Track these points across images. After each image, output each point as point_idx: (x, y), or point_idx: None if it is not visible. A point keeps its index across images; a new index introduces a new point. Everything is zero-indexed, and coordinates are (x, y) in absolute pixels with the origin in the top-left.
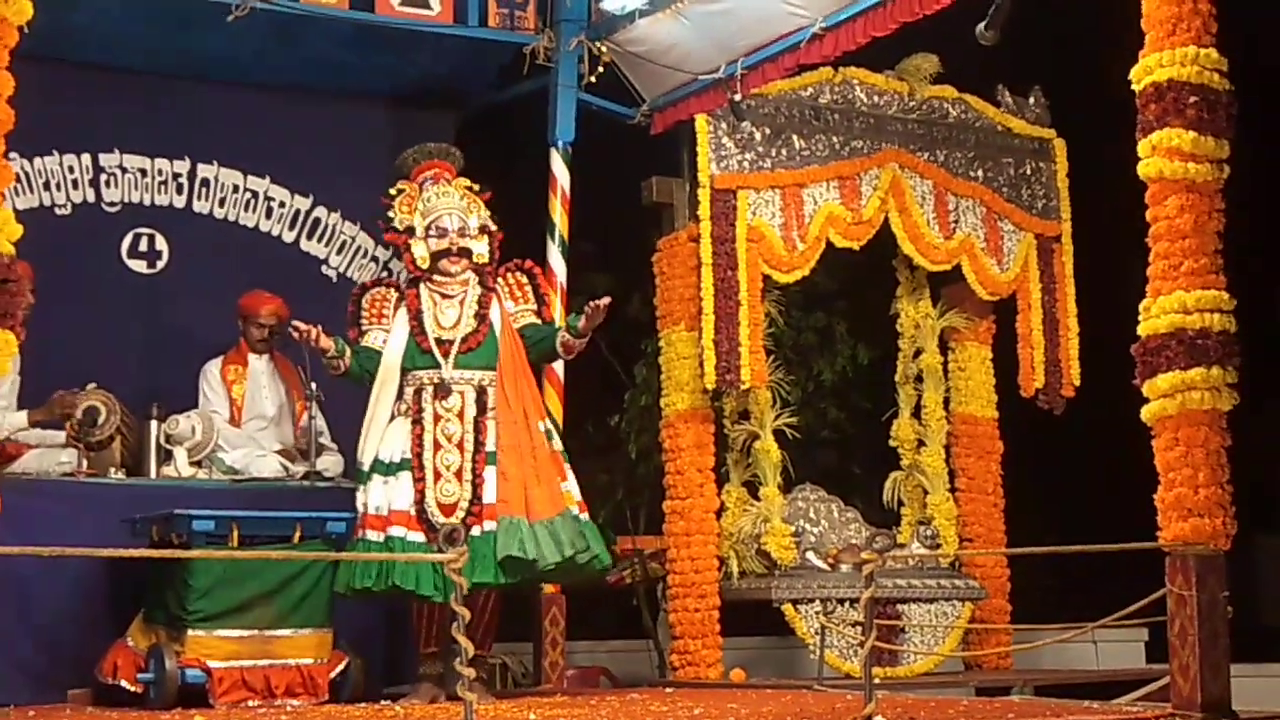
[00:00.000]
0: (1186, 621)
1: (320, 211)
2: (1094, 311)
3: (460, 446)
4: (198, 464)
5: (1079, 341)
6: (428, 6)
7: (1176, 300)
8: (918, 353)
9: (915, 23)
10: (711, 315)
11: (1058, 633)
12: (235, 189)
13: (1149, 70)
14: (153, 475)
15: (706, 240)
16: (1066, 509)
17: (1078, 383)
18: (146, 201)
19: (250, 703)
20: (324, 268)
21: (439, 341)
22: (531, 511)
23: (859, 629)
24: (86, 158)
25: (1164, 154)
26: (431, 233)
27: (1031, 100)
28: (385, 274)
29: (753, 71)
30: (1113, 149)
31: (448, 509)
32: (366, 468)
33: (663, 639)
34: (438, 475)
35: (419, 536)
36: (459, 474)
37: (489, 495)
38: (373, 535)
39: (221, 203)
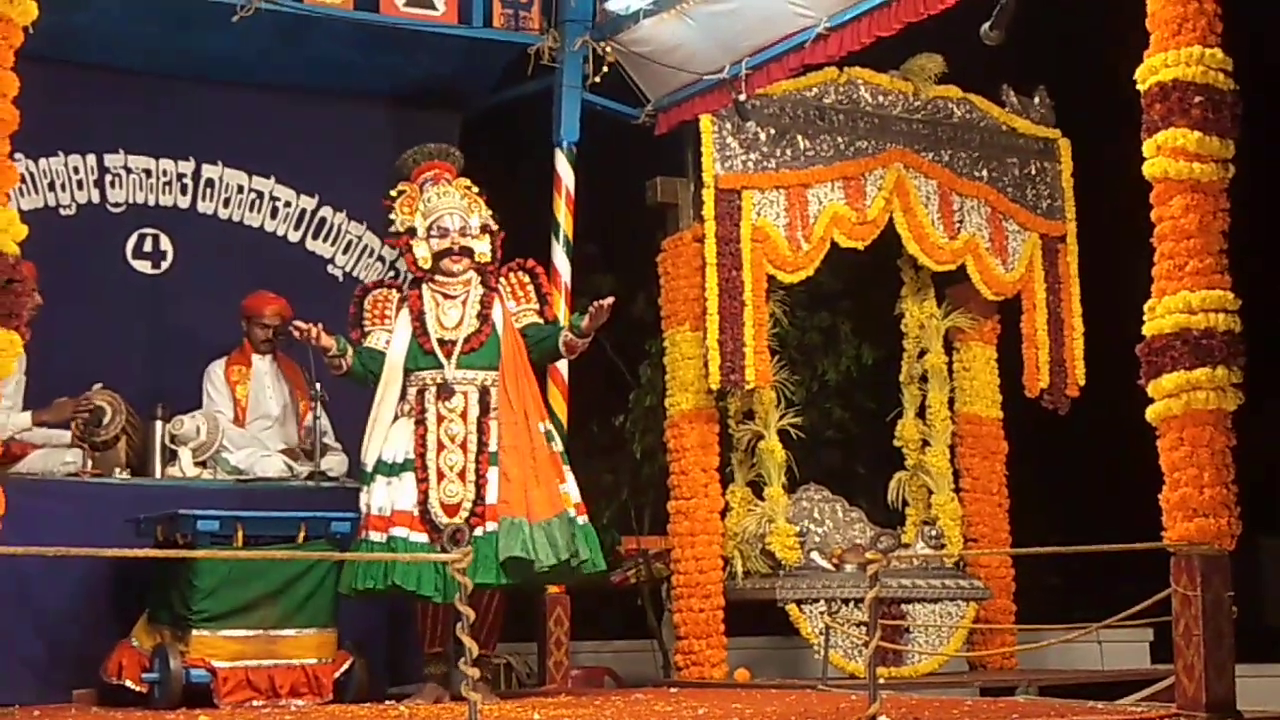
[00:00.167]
0: (1191, 621)
1: (326, 211)
2: (1099, 311)
3: (463, 447)
4: (202, 464)
5: (1084, 341)
6: (432, 7)
7: (1181, 300)
8: (922, 353)
9: (920, 23)
10: (716, 315)
11: (1062, 633)
12: (240, 189)
13: (1154, 70)
14: (157, 475)
15: (711, 240)
16: (1071, 509)
17: (1082, 382)
18: (151, 202)
19: (255, 703)
20: (330, 267)
21: (441, 342)
22: (532, 512)
23: (863, 629)
24: (91, 158)
25: (1169, 154)
26: (433, 233)
27: (1036, 100)
28: (392, 273)
29: (757, 71)
30: (1117, 149)
31: (451, 509)
32: (370, 468)
33: (667, 639)
34: (441, 476)
35: (422, 537)
36: (462, 474)
37: (491, 496)
38: (376, 536)
39: (226, 203)
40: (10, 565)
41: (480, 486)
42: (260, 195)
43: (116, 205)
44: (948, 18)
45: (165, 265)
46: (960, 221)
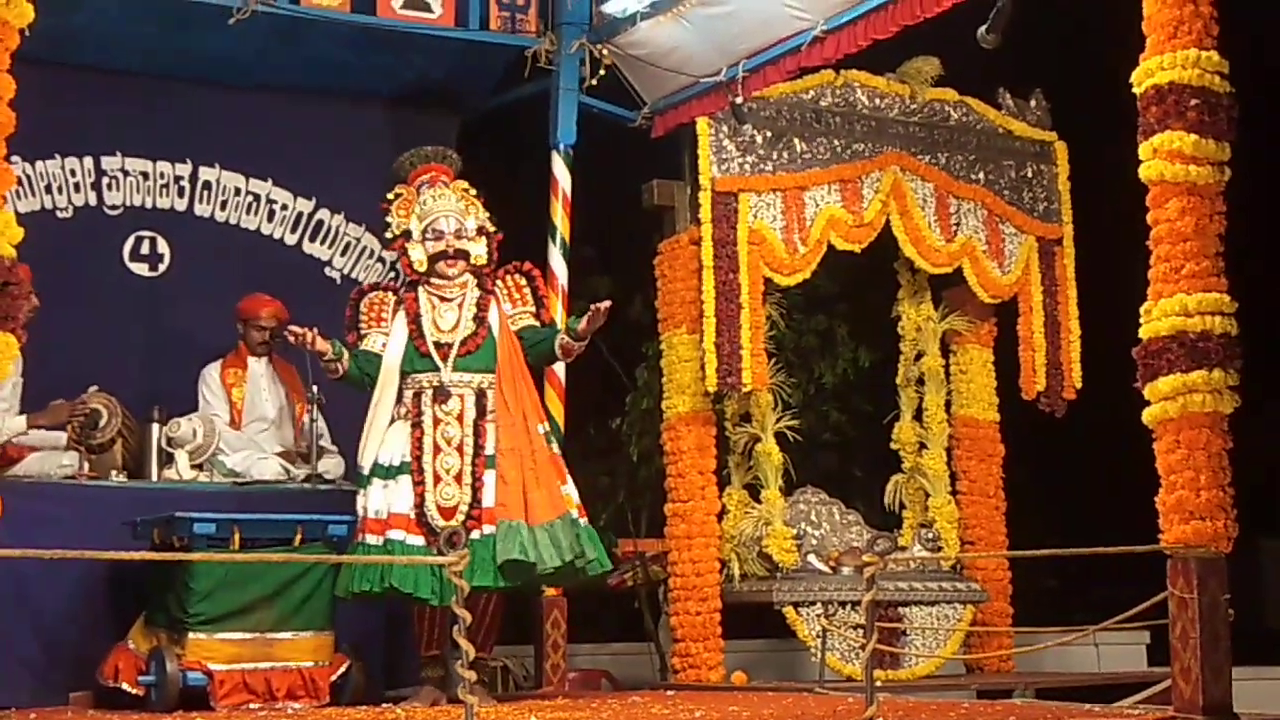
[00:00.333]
0: (1188, 624)
1: (323, 214)
2: (1095, 314)
3: (460, 450)
4: (199, 467)
5: (1080, 344)
6: (429, 9)
7: (1178, 303)
8: (919, 355)
9: (916, 25)
10: (713, 318)
11: (1059, 635)
12: (237, 191)
13: (1150, 73)
14: (154, 478)
15: (708, 243)
16: (1068, 512)
17: (1079, 385)
18: (148, 204)
19: (251, 705)
20: (327, 269)
21: (438, 345)
22: (531, 515)
23: (860, 632)
24: (88, 161)
25: (1165, 157)
26: (428, 236)
27: (1033, 103)
28: (391, 275)
29: (754, 74)
30: (1114, 152)
31: (447, 512)
32: (366, 471)
33: (664, 642)
34: (437, 479)
35: (418, 540)
36: (458, 477)
37: (488, 499)
38: (372, 539)
39: (223, 205)
40: (7, 567)
41: (477, 490)
42: (258, 197)
43: (114, 208)
44: (944, 21)
45: (162, 268)
46: (957, 224)
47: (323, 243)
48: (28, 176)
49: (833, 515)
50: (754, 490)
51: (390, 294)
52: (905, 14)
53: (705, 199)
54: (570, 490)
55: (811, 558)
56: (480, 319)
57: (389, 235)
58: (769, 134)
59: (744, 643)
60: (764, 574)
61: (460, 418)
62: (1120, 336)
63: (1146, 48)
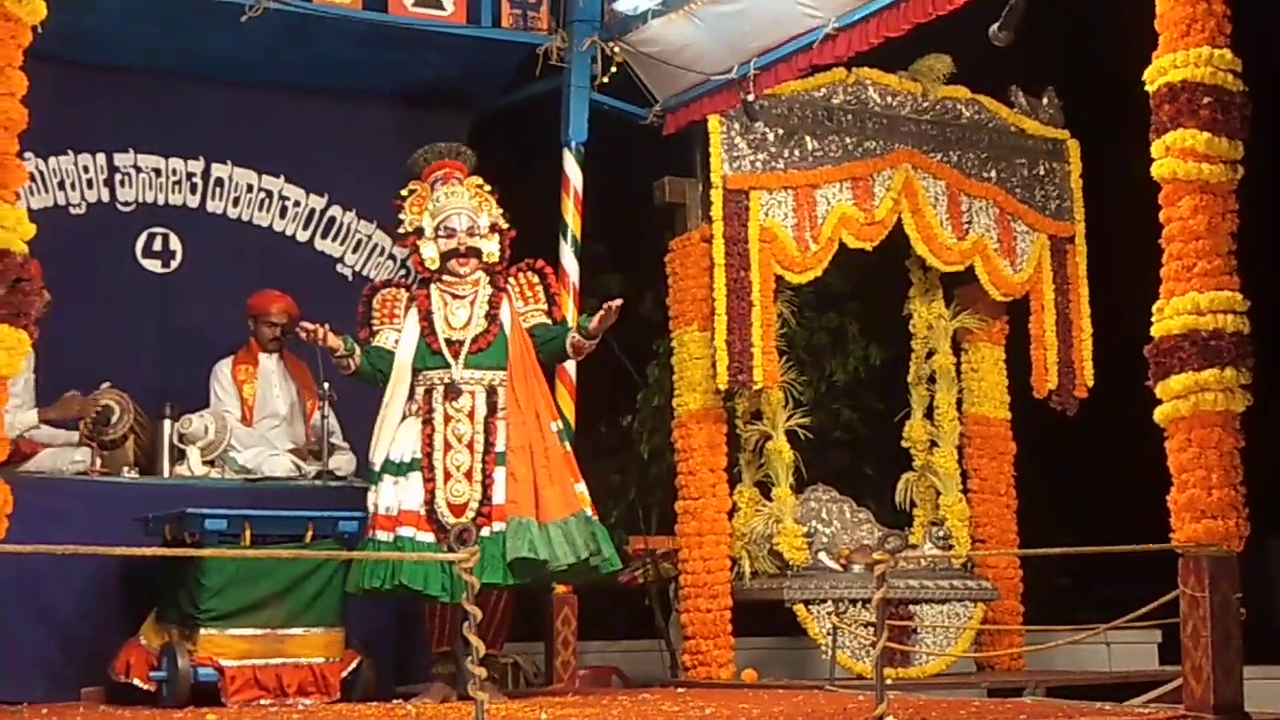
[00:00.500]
0: (1199, 623)
1: (335, 210)
2: (1107, 312)
3: (470, 447)
4: (210, 463)
5: (1092, 342)
6: (441, 7)
7: (1190, 301)
8: (930, 353)
9: (928, 23)
10: (724, 316)
11: (1070, 634)
12: (249, 188)
13: (1162, 71)
14: (165, 474)
15: (719, 241)
16: (1079, 510)
17: (1091, 384)
18: (160, 201)
19: (262, 701)
20: (339, 266)
21: (449, 342)
22: (542, 512)
23: (871, 630)
24: (101, 157)
25: (1177, 155)
26: (440, 233)
27: (1045, 101)
28: (402, 272)
29: (765, 72)
30: (1126, 150)
31: (457, 509)
32: (378, 468)
33: (675, 639)
34: (448, 476)
35: (428, 537)
36: (469, 474)
37: (498, 496)
38: (382, 535)
39: (235, 202)
40: (19, 563)
41: (487, 487)
42: (269, 194)
43: (126, 204)
44: (956, 18)
45: (174, 264)
46: (969, 222)
47: (334, 240)
48: (41, 173)
49: (843, 513)
50: (765, 488)
51: (402, 291)
52: (917, 11)
53: (717, 196)
54: (582, 489)
55: (822, 555)
56: (492, 316)
57: (401, 232)
58: (780, 131)
59: (754, 640)
60: (775, 571)
61: (471, 415)
62: (1132, 335)
63: (1159, 46)
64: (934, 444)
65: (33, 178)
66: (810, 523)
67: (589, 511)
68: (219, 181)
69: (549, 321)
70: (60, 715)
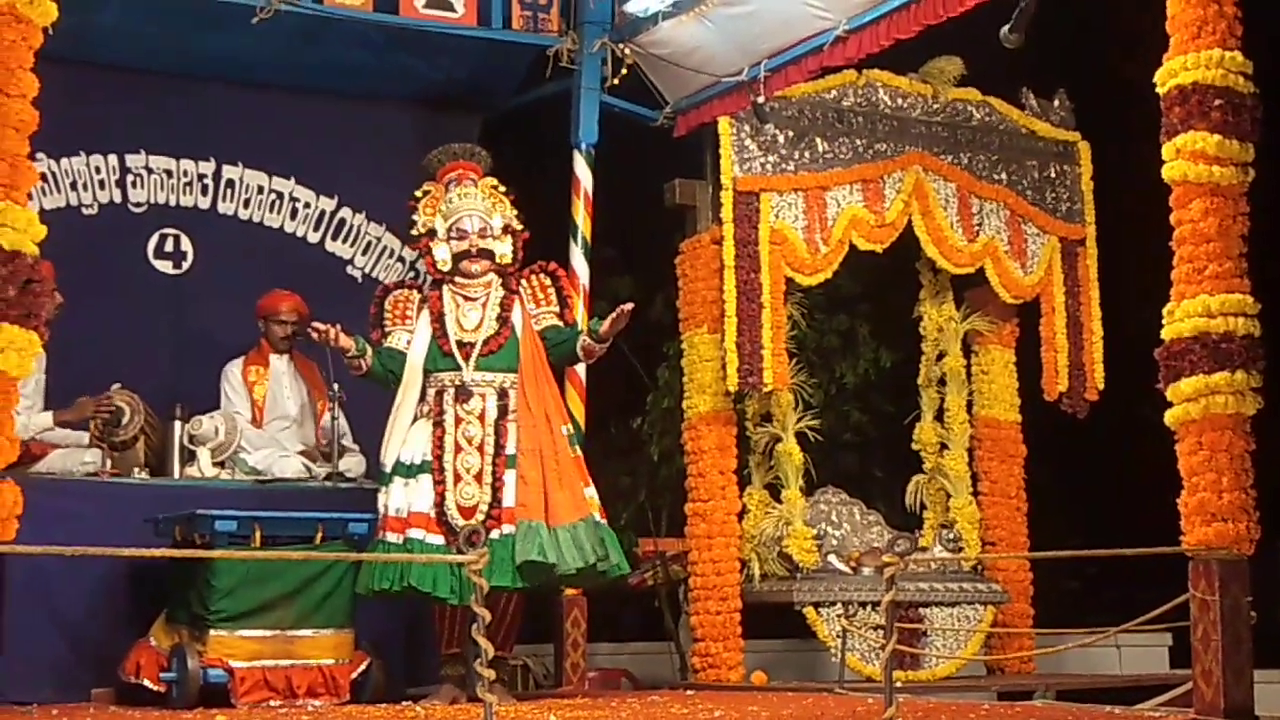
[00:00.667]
0: (1209, 626)
1: (345, 212)
2: (1118, 315)
3: (480, 449)
4: (220, 464)
5: (1103, 345)
6: (451, 9)
7: (1200, 304)
8: (940, 356)
9: (939, 25)
10: (734, 318)
11: (1080, 637)
12: (260, 190)
13: (1173, 73)
14: (176, 475)
15: (729, 242)
16: (1090, 513)
17: (1101, 386)
18: (172, 202)
19: (272, 703)
20: (349, 268)
21: (460, 344)
22: (552, 516)
23: (880, 632)
24: (113, 158)
25: (1188, 157)
26: (453, 234)
27: (1056, 103)
28: (411, 274)
29: (776, 74)
30: (1137, 152)
31: (467, 512)
32: (388, 469)
33: (684, 641)
34: (457, 478)
35: (438, 539)
36: (479, 477)
37: (508, 499)
38: (392, 537)
39: (246, 204)
40: (30, 564)
41: (497, 489)
42: (280, 196)
43: (138, 205)
44: (967, 20)
45: (186, 265)
46: (979, 224)
47: (344, 241)
48: (53, 173)
49: (853, 515)
50: (775, 490)
51: (415, 292)
52: (928, 13)
53: (727, 198)
54: (592, 493)
55: (832, 558)
56: (504, 319)
57: (414, 233)
58: (791, 133)
59: (764, 643)
60: (784, 574)
61: (482, 417)
62: (1143, 337)
63: (1170, 48)
64: (944, 446)
65: (45, 178)
66: (820, 525)
67: (598, 516)
68: (230, 183)
69: (561, 324)
70: (70, 716)
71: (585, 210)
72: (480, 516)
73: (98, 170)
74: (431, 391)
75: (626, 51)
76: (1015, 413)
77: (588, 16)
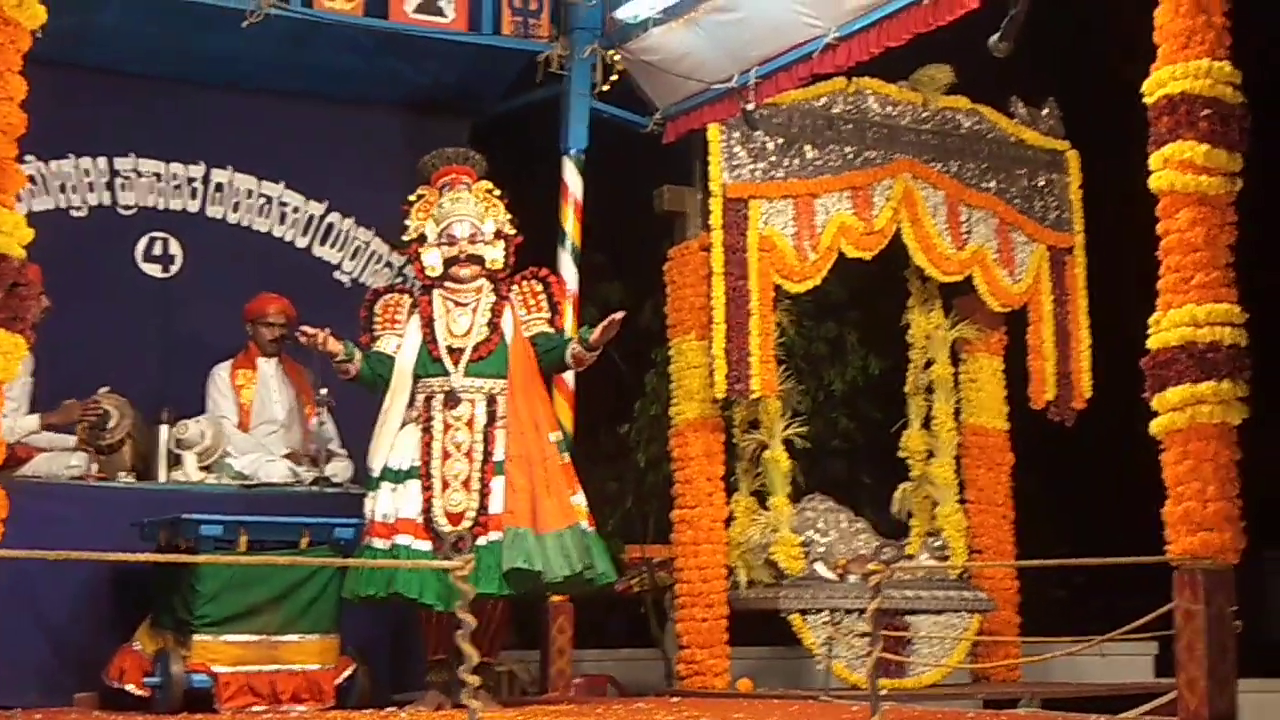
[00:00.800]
0: (1194, 636)
1: (334, 217)
2: (1106, 324)
3: (469, 455)
4: (207, 468)
5: (1090, 354)
6: (442, 14)
7: (1187, 313)
8: (929, 363)
9: (929, 33)
10: (722, 324)
11: (1066, 645)
12: (249, 194)
13: (1161, 83)
14: (162, 479)
15: (718, 249)
16: (1077, 521)
17: (1089, 395)
18: (161, 205)
19: (256, 708)
20: (336, 273)
21: (450, 349)
22: (539, 523)
23: (867, 640)
24: (102, 161)
25: (1176, 167)
26: (443, 240)
27: (1045, 112)
28: (399, 279)
29: (766, 81)
30: (1126, 161)
31: (455, 518)
32: (376, 474)
33: (670, 648)
34: (445, 484)
35: (425, 545)
36: (466, 483)
37: (495, 505)
38: (379, 543)
39: (235, 207)
40: (14, 568)
41: (485, 496)
42: (269, 200)
43: (127, 208)
44: (957, 28)
45: (174, 269)
46: (968, 232)
47: (332, 246)
48: (43, 175)
49: (840, 523)
50: (761, 497)
51: (405, 296)
52: (917, 22)
53: (716, 205)
54: (580, 500)
55: (818, 565)
56: (494, 324)
57: (405, 239)
58: (780, 140)
59: (750, 649)
60: (770, 581)
61: (470, 423)
62: (1130, 346)
63: (1158, 57)
64: (931, 454)
65: (34, 180)
66: (807, 532)
67: (586, 524)
68: (219, 186)
69: (551, 331)
70: None
71: (574, 216)
72: (468, 523)
73: (87, 173)
74: (420, 397)
75: (616, 58)
76: (1003, 421)
77: (578, 22)
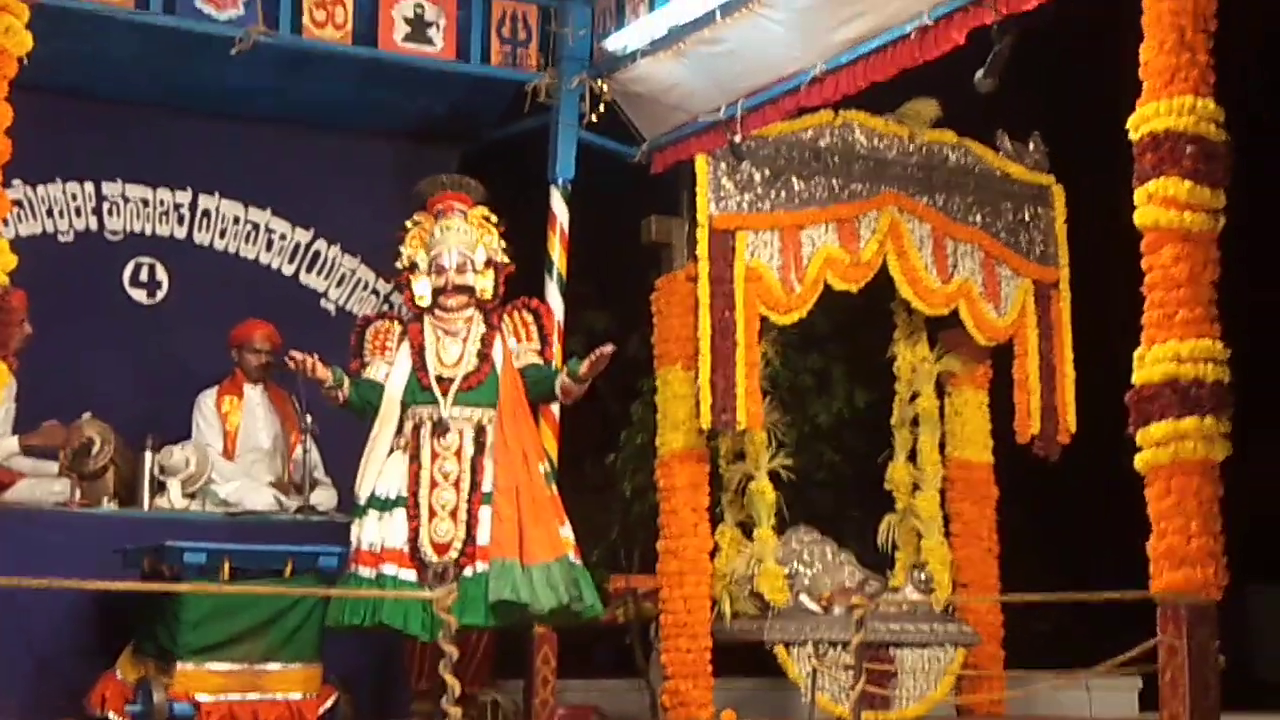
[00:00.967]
0: (1177, 671)
1: (320, 245)
2: (1091, 359)
3: (456, 485)
4: (191, 496)
5: (1075, 388)
6: (430, 43)
7: (1171, 349)
8: (914, 396)
9: (916, 67)
10: (708, 355)
11: (1051, 679)
12: (236, 220)
13: (1146, 119)
14: (146, 506)
15: (704, 280)
16: (1062, 555)
17: (1073, 429)
18: (148, 231)
19: None
20: (323, 301)
21: (439, 379)
22: (526, 554)
23: (851, 672)
24: (89, 186)
25: (1160, 203)
26: (433, 269)
27: (1031, 146)
28: (386, 307)
29: (753, 113)
30: (1111, 196)
31: (441, 548)
32: (362, 502)
33: (654, 679)
34: (432, 514)
35: (411, 574)
36: (454, 513)
37: (483, 536)
38: (365, 571)
39: (222, 234)
40: None
41: (471, 526)
42: (256, 227)
43: (114, 233)
44: (943, 63)
45: (160, 295)
46: (954, 266)
47: (319, 274)
48: (29, 200)
49: (825, 555)
50: (747, 528)
51: (396, 323)
52: (904, 56)
53: (702, 236)
54: (567, 532)
55: (803, 597)
56: (484, 355)
57: (399, 266)
58: (767, 172)
59: (734, 681)
60: (755, 613)
61: (458, 453)
62: (1115, 381)
63: (1143, 94)
64: (916, 487)
65: (21, 204)
66: (792, 564)
67: (573, 556)
68: (206, 213)
69: (540, 362)
70: None
71: (561, 246)
72: (454, 553)
73: (74, 197)
74: (408, 425)
75: (604, 88)
76: (988, 454)
77: (566, 53)
